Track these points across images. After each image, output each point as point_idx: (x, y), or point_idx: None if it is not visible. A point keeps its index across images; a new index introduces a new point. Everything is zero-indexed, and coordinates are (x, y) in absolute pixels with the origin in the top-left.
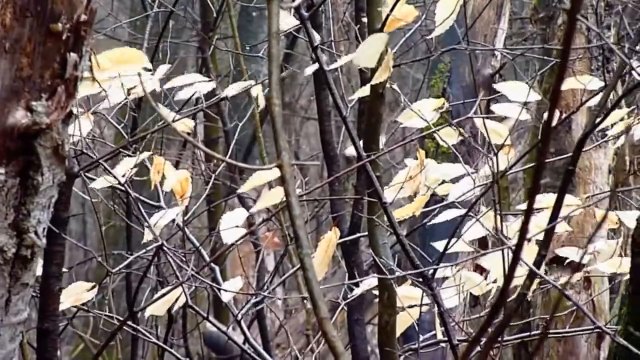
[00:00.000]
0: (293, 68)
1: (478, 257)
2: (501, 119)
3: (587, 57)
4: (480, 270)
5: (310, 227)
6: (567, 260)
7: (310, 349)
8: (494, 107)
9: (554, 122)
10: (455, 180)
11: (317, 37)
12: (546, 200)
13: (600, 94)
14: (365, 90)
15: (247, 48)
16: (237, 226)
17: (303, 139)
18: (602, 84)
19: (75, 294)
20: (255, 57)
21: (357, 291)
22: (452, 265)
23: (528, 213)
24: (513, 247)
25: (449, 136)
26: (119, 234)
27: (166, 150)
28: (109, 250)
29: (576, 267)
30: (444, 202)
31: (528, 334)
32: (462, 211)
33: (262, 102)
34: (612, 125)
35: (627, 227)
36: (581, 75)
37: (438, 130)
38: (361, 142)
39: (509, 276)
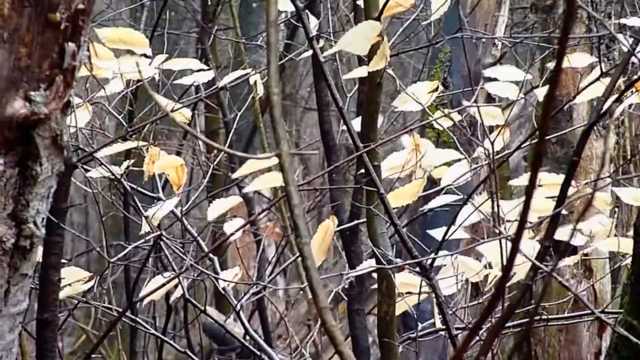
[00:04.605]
0: (292, 56)
1: (475, 246)
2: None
3: (588, 45)
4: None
5: (312, 217)
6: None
7: (312, 339)
8: (487, 85)
9: (553, 109)
10: (452, 165)
11: (314, 26)
12: (545, 180)
13: (599, 83)
14: (359, 72)
15: (244, 39)
16: (235, 216)
17: (304, 129)
18: (599, 66)
19: (71, 280)
20: (255, 46)
21: (354, 274)
22: (450, 255)
23: (527, 202)
24: (511, 236)
25: (445, 121)
26: (121, 224)
27: (166, 141)
28: (110, 242)
29: (572, 250)
30: (441, 187)
31: (524, 320)
32: (458, 197)
33: (260, 91)
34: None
35: (625, 207)
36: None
37: (436, 119)
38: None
39: (507, 267)
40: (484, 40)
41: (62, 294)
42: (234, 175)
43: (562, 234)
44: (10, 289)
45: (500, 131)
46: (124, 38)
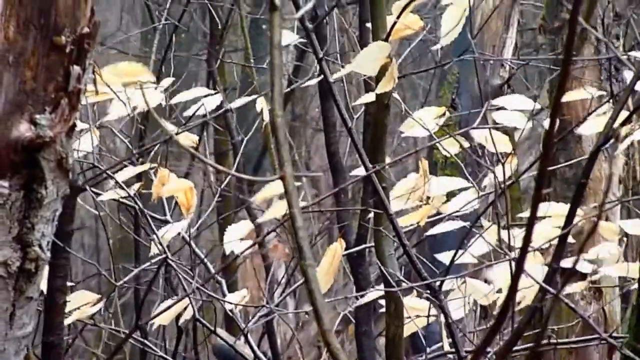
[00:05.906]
0: (300, 80)
1: (482, 267)
2: (510, 130)
3: (597, 67)
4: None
5: (322, 237)
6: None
7: None
8: (495, 114)
9: (558, 132)
10: (457, 193)
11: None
12: (554, 210)
13: (608, 105)
14: (368, 97)
15: (252, 61)
16: (242, 239)
17: (314, 150)
18: (606, 95)
19: (78, 304)
20: (263, 68)
21: (362, 301)
22: (459, 277)
23: (530, 223)
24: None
25: (452, 146)
26: (131, 247)
27: (176, 163)
28: (122, 263)
29: (580, 276)
30: (448, 213)
31: (533, 344)
32: (463, 223)
33: (267, 116)
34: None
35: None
36: (590, 85)
37: (442, 140)
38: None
39: (512, 288)
40: (492, 61)
41: (68, 319)
42: (254, 203)
43: (568, 262)
44: (15, 312)
45: (509, 159)
46: (128, 72)
